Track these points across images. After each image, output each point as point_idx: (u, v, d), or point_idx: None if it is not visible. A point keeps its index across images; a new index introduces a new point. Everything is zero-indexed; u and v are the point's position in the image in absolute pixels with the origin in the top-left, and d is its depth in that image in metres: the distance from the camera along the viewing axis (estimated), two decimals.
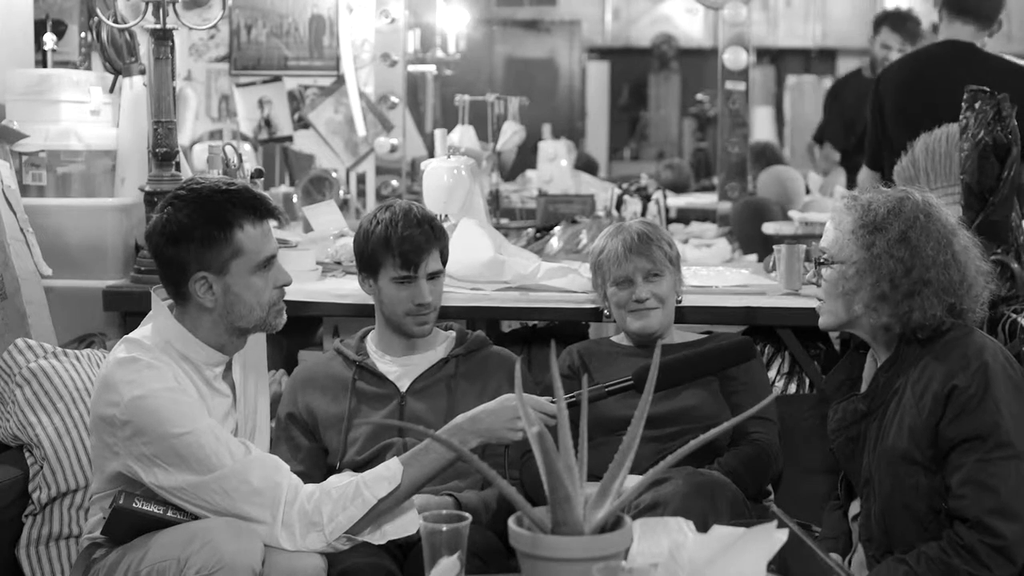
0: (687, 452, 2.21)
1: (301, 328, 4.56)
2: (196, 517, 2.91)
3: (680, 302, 3.83)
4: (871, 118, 5.36)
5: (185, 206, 3.00)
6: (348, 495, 2.91)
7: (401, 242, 3.54)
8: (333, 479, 3.00)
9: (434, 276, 3.61)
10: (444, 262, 3.66)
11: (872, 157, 5.39)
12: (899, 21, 7.21)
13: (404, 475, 2.95)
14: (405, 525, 3.01)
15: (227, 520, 2.86)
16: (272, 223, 3.10)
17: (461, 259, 4.20)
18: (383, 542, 3.00)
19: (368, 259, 3.61)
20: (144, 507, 2.92)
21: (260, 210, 3.05)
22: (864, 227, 3.02)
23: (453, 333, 3.74)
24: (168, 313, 3.08)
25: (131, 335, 3.08)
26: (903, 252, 2.97)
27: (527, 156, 8.12)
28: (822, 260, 3.12)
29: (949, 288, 2.96)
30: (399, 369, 3.63)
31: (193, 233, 2.98)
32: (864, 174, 5.45)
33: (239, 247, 3.01)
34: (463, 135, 5.82)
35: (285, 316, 3.16)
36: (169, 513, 2.92)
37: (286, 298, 4.14)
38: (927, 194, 3.09)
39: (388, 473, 2.95)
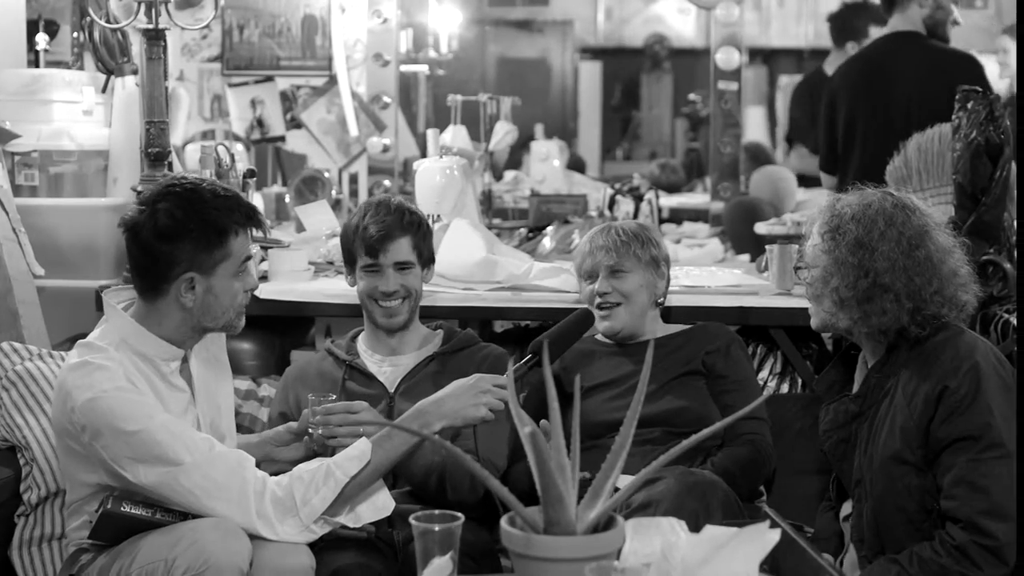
0: (679, 452, 2.21)
1: (293, 328, 4.56)
2: (186, 518, 2.91)
3: (662, 303, 3.83)
4: (824, 119, 5.36)
5: (183, 204, 2.99)
6: (319, 477, 2.91)
7: (366, 230, 3.57)
8: (302, 465, 3.00)
9: (404, 267, 3.59)
10: (423, 258, 3.65)
11: (826, 160, 5.39)
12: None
13: (372, 455, 2.95)
14: (378, 508, 3.01)
15: (215, 521, 2.85)
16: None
17: (453, 259, 4.20)
18: (359, 525, 3.00)
19: (347, 252, 3.65)
20: (132, 510, 2.91)
21: (254, 219, 3.09)
22: (829, 232, 3.05)
23: (441, 332, 3.73)
24: (122, 313, 3.07)
25: (84, 339, 3.07)
26: (858, 257, 2.99)
27: (520, 156, 8.13)
28: (798, 264, 3.18)
29: (911, 293, 2.97)
30: (389, 369, 3.63)
31: (191, 233, 2.98)
32: (825, 179, 5.46)
33: (229, 251, 3.02)
34: (455, 135, 5.81)
35: (244, 319, 3.16)
36: (158, 515, 2.92)
37: (279, 298, 4.19)
38: (906, 196, 3.09)
39: (357, 452, 2.95)
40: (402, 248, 3.59)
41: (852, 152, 5.17)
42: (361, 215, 3.61)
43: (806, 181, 6.94)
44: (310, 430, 3.23)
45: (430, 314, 3.90)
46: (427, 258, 3.67)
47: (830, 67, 7.09)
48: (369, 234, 3.57)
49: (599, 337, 3.86)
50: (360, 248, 3.59)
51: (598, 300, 3.73)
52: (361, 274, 3.61)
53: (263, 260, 4.48)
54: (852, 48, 6.88)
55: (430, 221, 4.30)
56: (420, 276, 3.65)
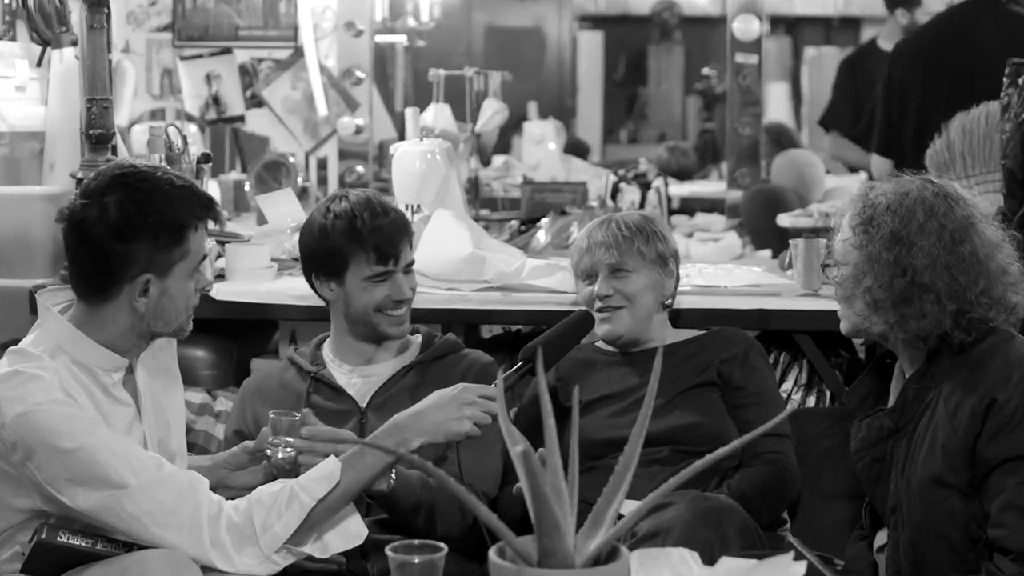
0: (691, 474, 2.20)
1: (254, 334, 4.56)
2: (131, 548, 2.90)
3: (670, 306, 3.83)
4: (884, 96, 5.35)
5: (136, 197, 2.97)
6: (282, 500, 2.91)
7: (374, 233, 3.52)
8: (263, 487, 2.99)
9: (409, 268, 3.62)
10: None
11: (885, 141, 5.38)
12: None
13: (342, 475, 2.95)
14: (349, 536, 3.00)
15: (164, 551, 2.84)
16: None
17: (435, 255, 4.20)
18: (327, 556, 2.99)
19: (329, 259, 3.58)
20: (70, 540, 2.90)
21: (212, 211, 3.08)
22: (861, 224, 3.05)
23: (419, 337, 3.73)
24: (59, 316, 3.06)
25: (16, 346, 3.06)
26: (895, 252, 2.99)
27: (511, 138, 8.13)
28: (826, 262, 3.18)
29: (954, 294, 2.97)
30: (360, 381, 3.63)
31: (149, 231, 2.96)
32: (878, 163, 5.46)
33: (188, 249, 3.01)
34: (438, 115, 5.82)
35: (192, 322, 3.15)
36: (99, 545, 2.91)
37: (237, 300, 4.19)
38: (950, 184, 3.10)
39: (325, 472, 2.94)
40: (406, 249, 3.61)
41: (925, 136, 5.16)
42: (349, 217, 3.54)
43: (840, 171, 6.96)
44: (268, 451, 3.20)
45: (411, 318, 3.86)
46: None
47: (885, 40, 7.13)
48: (380, 239, 3.53)
49: (600, 344, 3.87)
50: (365, 254, 3.54)
51: (598, 303, 3.72)
52: (362, 284, 3.57)
53: (219, 256, 4.47)
54: (902, 16, 6.91)
55: (409, 212, 4.31)
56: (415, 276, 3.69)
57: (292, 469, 3.12)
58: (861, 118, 7.17)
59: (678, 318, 3.98)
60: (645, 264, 3.73)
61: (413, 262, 3.64)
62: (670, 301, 3.82)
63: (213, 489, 2.98)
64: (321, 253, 3.60)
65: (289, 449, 3.14)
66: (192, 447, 3.71)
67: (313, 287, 3.68)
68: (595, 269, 3.74)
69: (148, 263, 2.98)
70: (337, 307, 3.64)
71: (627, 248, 3.72)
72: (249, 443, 3.33)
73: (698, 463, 2.20)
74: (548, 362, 3.28)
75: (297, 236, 4.62)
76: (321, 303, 3.84)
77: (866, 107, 7.09)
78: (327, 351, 3.71)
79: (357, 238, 3.53)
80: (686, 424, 3.61)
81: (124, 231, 2.95)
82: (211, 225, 3.12)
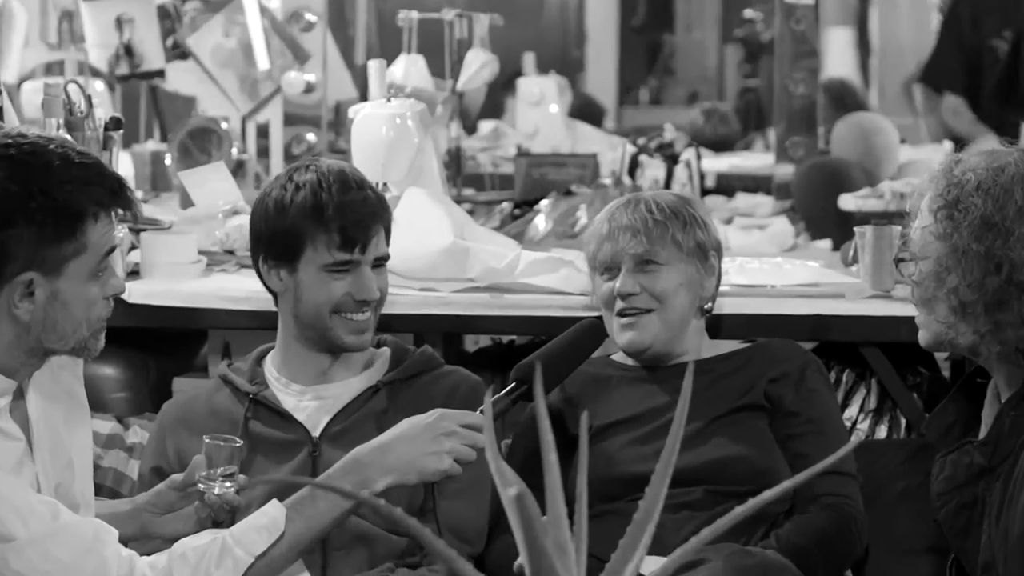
0: (731, 522, 2.20)
1: (177, 346, 4.56)
2: None
3: (710, 310, 3.84)
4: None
5: (19, 175, 2.97)
6: (212, 556, 2.92)
7: (340, 211, 3.53)
8: (188, 539, 2.99)
9: (380, 263, 3.64)
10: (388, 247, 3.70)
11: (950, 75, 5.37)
12: None
13: (287, 525, 2.95)
14: None
15: None
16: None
17: (407, 247, 4.20)
18: None
19: (283, 239, 3.59)
20: None
21: (121, 197, 3.05)
22: (945, 207, 3.05)
23: (387, 351, 3.74)
24: None
25: None
26: (987, 243, 2.99)
27: (502, 99, 8.14)
28: (900, 256, 3.18)
29: None
30: (311, 404, 3.64)
31: (32, 217, 2.96)
32: (951, 104, 5.45)
33: (85, 243, 3.00)
34: (409, 69, 5.82)
35: (104, 338, 3.13)
36: None
37: (155, 303, 4.18)
38: None
39: (265, 520, 2.96)
40: (380, 238, 3.62)
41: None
42: (313, 188, 3.56)
43: (918, 139, 6.96)
44: (202, 487, 3.18)
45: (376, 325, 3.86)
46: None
47: None
48: (347, 219, 3.54)
49: (617, 357, 3.88)
50: (327, 236, 3.54)
51: (620, 304, 3.72)
52: (318, 274, 3.58)
53: (132, 248, 4.48)
54: None
55: None
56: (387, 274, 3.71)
57: (233, 511, 3.12)
58: (974, 72, 7.21)
59: (718, 327, 3.99)
60: (681, 256, 3.73)
61: (387, 258, 3.66)
62: (710, 305, 3.83)
63: (130, 541, 2.99)
64: (274, 231, 3.60)
65: (229, 484, 3.13)
66: (99, 489, 3.70)
67: (260, 275, 3.68)
68: (617, 261, 3.73)
69: (31, 258, 2.96)
70: (286, 303, 3.65)
71: (659, 235, 3.71)
72: (178, 476, 3.30)
73: (739, 508, 2.19)
74: (549, 382, 3.29)
75: (231, 223, 4.66)
76: (263, 307, 3.85)
77: (984, 58, 7.13)
78: (270, 366, 3.72)
79: (318, 214, 3.53)
80: (725, 458, 3.62)
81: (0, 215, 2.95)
82: (122, 214, 3.11)
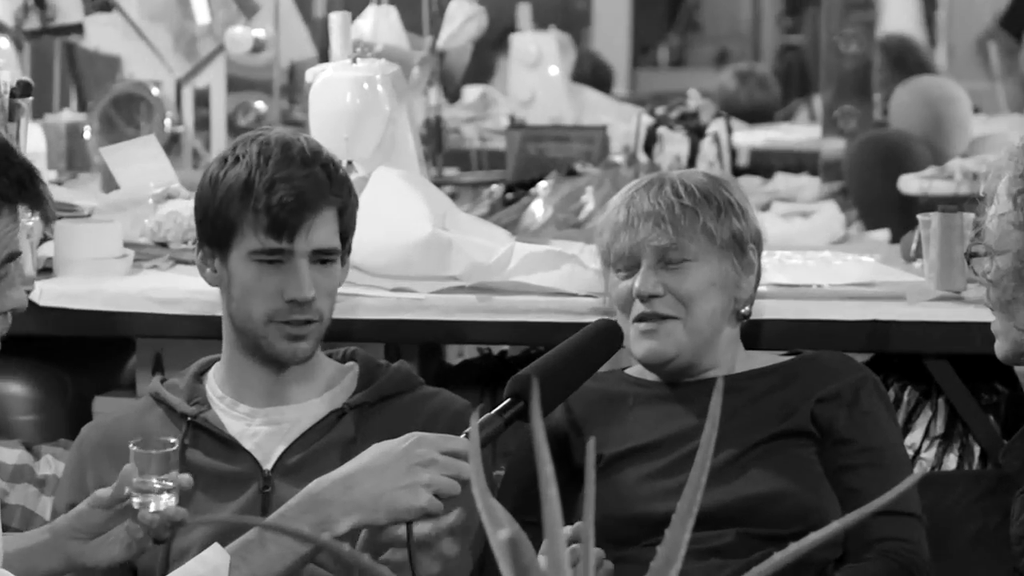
0: (771, 571, 2.29)
1: (97, 358, 4.60)
2: None
3: (747, 315, 3.86)
4: None
5: None
6: None
7: (271, 189, 3.53)
8: None
9: (326, 257, 3.62)
10: (345, 240, 3.69)
11: None
12: None
13: (232, 574, 3.00)
14: None
15: None
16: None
17: (377, 238, 4.21)
18: None
19: (213, 220, 3.61)
20: None
21: (30, 190, 3.02)
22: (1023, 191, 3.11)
23: (355, 367, 3.76)
24: None
25: None
26: None
27: (492, 60, 8.22)
28: (973, 249, 3.24)
29: None
30: (262, 429, 3.67)
31: None
32: None
33: None
34: (379, 23, 5.86)
35: None
36: None
37: (72, 307, 4.23)
38: None
39: (205, 571, 3.00)
40: (326, 226, 3.59)
41: None
42: (249, 163, 3.55)
43: (995, 109, 7.04)
44: (136, 501, 3.12)
45: (337, 334, 3.86)
46: (348, 244, 3.71)
47: None
48: (277, 199, 3.53)
49: (633, 371, 3.93)
50: (253, 218, 3.55)
51: (638, 307, 3.72)
52: (246, 265, 3.59)
53: (44, 240, 4.51)
54: None
55: None
56: (340, 273, 3.71)
57: (172, 528, 3.10)
58: None
59: (755, 335, 4.03)
60: (713, 250, 3.73)
61: (334, 252, 3.64)
62: (747, 309, 3.85)
63: None
64: (204, 212, 3.65)
65: (166, 496, 3.11)
66: (5, 530, 3.75)
67: (199, 265, 3.72)
68: (636, 255, 3.73)
69: None
70: (224, 303, 3.68)
71: (688, 224, 3.71)
72: (104, 492, 3.21)
73: (779, 555, 2.22)
74: (550, 399, 3.36)
75: (163, 209, 4.65)
76: (199, 311, 3.89)
77: None
78: (213, 383, 3.74)
79: (246, 193, 3.55)
80: (762, 494, 3.65)
81: None
82: (30, 213, 3.03)
